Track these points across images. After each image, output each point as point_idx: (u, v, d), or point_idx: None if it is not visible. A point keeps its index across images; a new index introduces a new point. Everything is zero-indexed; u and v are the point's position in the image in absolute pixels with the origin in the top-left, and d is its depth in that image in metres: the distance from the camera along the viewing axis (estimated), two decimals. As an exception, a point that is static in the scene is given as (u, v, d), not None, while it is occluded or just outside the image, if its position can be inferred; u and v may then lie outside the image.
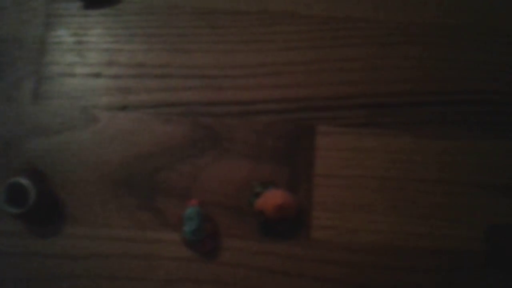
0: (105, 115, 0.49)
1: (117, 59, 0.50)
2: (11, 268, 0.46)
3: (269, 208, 0.44)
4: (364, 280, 0.46)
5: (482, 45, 0.51)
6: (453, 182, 0.48)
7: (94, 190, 0.47)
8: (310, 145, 0.49)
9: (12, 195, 0.42)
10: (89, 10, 0.51)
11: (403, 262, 0.46)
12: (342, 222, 0.47)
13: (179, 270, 0.46)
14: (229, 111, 0.49)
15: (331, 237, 0.47)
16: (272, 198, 0.44)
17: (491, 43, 0.51)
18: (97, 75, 0.50)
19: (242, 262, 0.46)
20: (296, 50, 0.51)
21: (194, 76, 0.50)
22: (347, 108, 0.49)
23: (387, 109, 0.49)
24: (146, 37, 0.51)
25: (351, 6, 0.52)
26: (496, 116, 0.50)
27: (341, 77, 0.50)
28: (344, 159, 0.48)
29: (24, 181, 0.43)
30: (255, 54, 0.51)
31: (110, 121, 0.49)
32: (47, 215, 0.46)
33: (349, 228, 0.47)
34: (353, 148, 0.49)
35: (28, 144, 0.48)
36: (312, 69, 0.50)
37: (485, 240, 0.47)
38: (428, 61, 0.51)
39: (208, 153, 0.48)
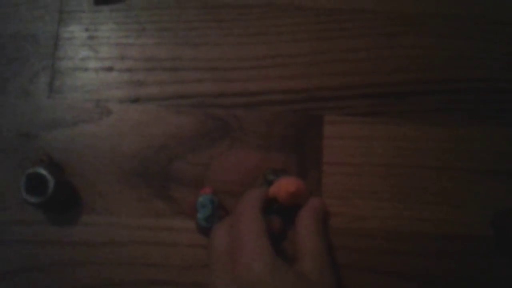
0: (118, 107, 0.50)
1: (128, 53, 0.51)
2: (32, 256, 0.47)
3: (283, 195, 0.44)
4: (372, 265, 0.47)
5: (487, 34, 0.52)
6: (459, 168, 0.49)
7: (110, 180, 0.48)
8: (318, 134, 0.49)
9: (32, 185, 0.43)
10: (100, 6, 0.52)
11: (410, 247, 0.47)
12: (350, 209, 0.48)
13: (194, 256, 0.47)
14: (238, 102, 0.50)
15: (340, 223, 0.48)
16: (286, 185, 0.44)
17: (496, 32, 0.52)
18: (110, 69, 0.51)
19: (254, 248, 0.47)
20: (302, 42, 0.52)
21: (204, 69, 0.51)
22: (353, 98, 0.50)
23: (392, 98, 0.50)
24: (156, 32, 0.52)
25: (353, -2, 0.53)
26: (501, 104, 0.50)
27: (347, 68, 0.51)
28: (351, 148, 0.49)
29: (42, 171, 0.44)
30: (262, 46, 0.51)
31: (123, 114, 0.50)
32: (65, 204, 0.47)
33: (357, 214, 0.48)
34: (359, 136, 0.49)
35: (45, 136, 0.49)
36: (318, 60, 0.51)
37: (492, 225, 0.47)
38: (432, 50, 0.51)
39: (219, 143, 0.49)
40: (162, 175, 0.48)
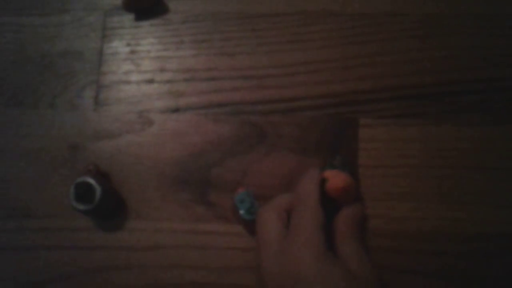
0: (159, 117, 0.52)
1: (168, 65, 0.53)
2: (82, 261, 0.49)
3: (331, 187, 0.44)
4: (411, 266, 0.47)
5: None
6: (497, 167, 0.48)
7: (153, 187, 0.50)
8: (353, 137, 0.50)
9: (80, 193, 0.46)
10: (140, 22, 0.55)
11: (450, 248, 0.47)
12: (388, 210, 0.48)
13: (234, 259, 0.48)
14: (274, 109, 0.51)
15: (378, 225, 0.48)
16: (336, 180, 0.44)
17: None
18: (151, 81, 0.53)
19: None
20: (334, 47, 0.52)
21: (240, 77, 0.52)
22: (387, 100, 0.51)
23: (426, 99, 0.50)
24: (193, 43, 0.54)
25: (383, 2, 0.53)
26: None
27: (379, 71, 0.51)
28: (387, 150, 0.50)
29: (90, 180, 0.46)
30: (295, 53, 0.53)
31: (164, 123, 0.52)
32: (112, 211, 0.50)
33: (395, 216, 0.48)
34: (395, 138, 0.50)
35: (92, 147, 0.52)
36: (351, 64, 0.52)
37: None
38: (463, 50, 0.51)
39: (256, 149, 0.50)
40: (202, 181, 0.50)
